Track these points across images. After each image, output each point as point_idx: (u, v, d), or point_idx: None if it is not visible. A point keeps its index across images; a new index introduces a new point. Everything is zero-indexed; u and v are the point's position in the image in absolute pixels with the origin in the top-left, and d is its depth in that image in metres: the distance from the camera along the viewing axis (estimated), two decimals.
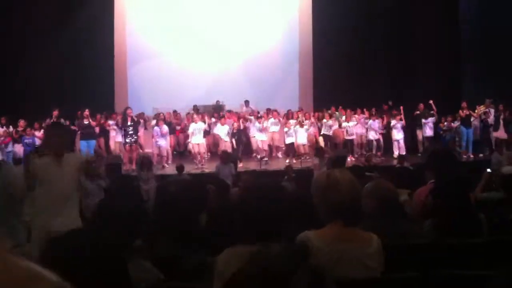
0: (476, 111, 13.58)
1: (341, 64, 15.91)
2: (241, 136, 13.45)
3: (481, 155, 13.16)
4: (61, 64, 14.77)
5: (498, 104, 13.63)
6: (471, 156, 13.31)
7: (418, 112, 14.08)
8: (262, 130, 13.34)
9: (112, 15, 16.24)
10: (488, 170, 5.32)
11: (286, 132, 13.50)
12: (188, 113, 14.21)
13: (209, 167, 11.99)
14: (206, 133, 13.32)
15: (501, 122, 13.43)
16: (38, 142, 12.39)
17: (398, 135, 13.61)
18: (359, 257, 2.18)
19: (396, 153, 13.47)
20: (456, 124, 13.66)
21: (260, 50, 16.72)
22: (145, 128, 13.38)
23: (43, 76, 14.25)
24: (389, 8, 15.64)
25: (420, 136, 14.13)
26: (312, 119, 14.18)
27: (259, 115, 13.84)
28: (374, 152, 13.73)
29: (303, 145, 13.38)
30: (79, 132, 12.44)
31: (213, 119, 13.87)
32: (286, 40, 17.18)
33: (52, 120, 12.04)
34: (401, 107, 14.08)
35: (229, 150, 12.71)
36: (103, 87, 15.59)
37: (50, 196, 3.80)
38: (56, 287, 0.84)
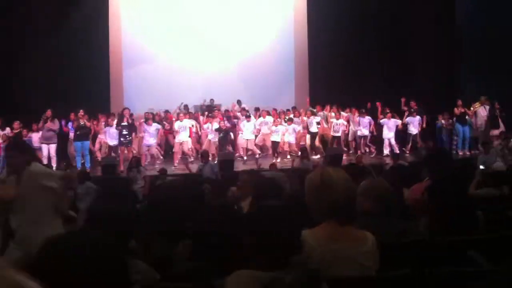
0: (471, 108, 13.62)
1: (337, 64, 15.90)
2: (226, 135, 13.34)
3: (477, 152, 13.18)
4: (57, 64, 14.70)
5: (494, 102, 13.67)
6: (468, 153, 13.34)
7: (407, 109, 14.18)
8: (253, 132, 13.26)
9: (107, 16, 16.21)
10: (481, 167, 5.37)
11: (273, 130, 13.43)
12: (178, 113, 13.96)
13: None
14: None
15: (499, 119, 13.45)
16: (36, 143, 12.35)
17: (389, 133, 13.61)
18: (353, 256, 2.18)
19: (386, 152, 13.52)
20: (449, 122, 13.71)
21: (256, 50, 16.71)
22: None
23: (39, 77, 14.20)
24: (385, 7, 15.65)
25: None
26: (300, 118, 14.06)
27: (247, 114, 13.74)
28: (362, 150, 13.79)
29: (290, 143, 13.37)
30: (75, 133, 12.41)
31: (202, 118, 13.83)
32: (282, 40, 17.18)
33: (47, 121, 12.00)
34: (378, 104, 14.16)
35: (213, 148, 12.77)
36: (99, 87, 15.56)
37: (24, 212, 3.86)
38: None
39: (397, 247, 2.60)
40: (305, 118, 13.93)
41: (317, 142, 13.84)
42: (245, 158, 13.11)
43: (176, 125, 12.92)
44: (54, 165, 11.75)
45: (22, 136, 12.16)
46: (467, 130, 13.55)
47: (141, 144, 12.89)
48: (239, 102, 15.32)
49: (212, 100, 15.58)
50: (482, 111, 13.69)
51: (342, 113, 14.22)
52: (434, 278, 2.27)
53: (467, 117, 13.61)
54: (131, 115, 12.78)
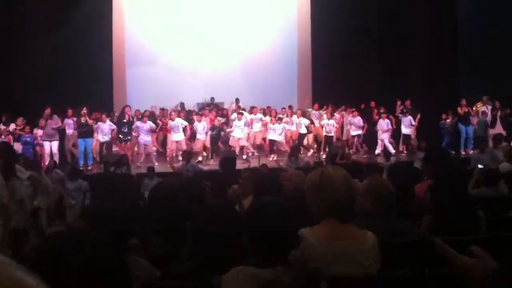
0: (474, 108, 13.62)
1: (340, 64, 15.89)
2: (219, 133, 13.30)
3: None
4: (59, 63, 14.72)
5: (495, 101, 13.66)
6: (471, 152, 13.33)
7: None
8: (245, 129, 13.25)
9: (110, 15, 16.19)
10: (480, 166, 5.36)
11: (269, 128, 13.49)
12: (174, 111, 13.91)
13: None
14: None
15: (498, 119, 13.45)
16: (37, 140, 12.40)
17: (382, 134, 13.57)
18: (353, 255, 2.17)
19: (378, 151, 13.50)
20: (449, 122, 13.71)
21: (259, 50, 16.71)
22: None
23: (41, 76, 14.21)
24: (386, 7, 15.63)
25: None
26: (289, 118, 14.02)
27: (239, 112, 13.67)
28: (354, 149, 13.81)
29: (279, 142, 13.41)
30: (78, 131, 12.42)
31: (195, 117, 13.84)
32: (285, 40, 17.17)
33: (44, 119, 12.03)
34: (373, 104, 14.23)
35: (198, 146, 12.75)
36: (102, 85, 15.56)
37: None
38: None
39: (398, 247, 2.59)
40: (294, 118, 13.87)
41: (310, 140, 13.84)
42: (244, 156, 13.07)
43: (169, 124, 12.95)
44: (56, 161, 11.76)
45: (25, 132, 12.20)
46: (470, 129, 13.55)
47: (139, 143, 12.85)
48: (237, 100, 15.20)
49: (212, 98, 15.55)
50: (484, 111, 13.70)
51: (335, 114, 14.23)
52: (434, 278, 2.26)
53: (474, 116, 13.63)
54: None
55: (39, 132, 12.48)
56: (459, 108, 13.51)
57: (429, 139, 13.44)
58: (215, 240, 2.11)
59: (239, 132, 13.19)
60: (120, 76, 16.39)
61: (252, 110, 14.10)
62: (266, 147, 13.69)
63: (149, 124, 12.73)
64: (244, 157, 12.98)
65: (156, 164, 12.27)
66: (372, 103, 14.87)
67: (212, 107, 14.80)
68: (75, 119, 12.54)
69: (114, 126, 12.65)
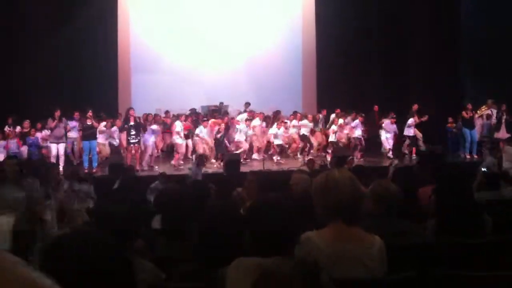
0: (478, 111, 13.58)
1: (345, 65, 15.88)
2: (223, 138, 13.36)
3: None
4: (63, 65, 14.78)
5: (501, 105, 13.61)
6: (475, 156, 13.28)
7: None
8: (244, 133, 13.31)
9: (115, 16, 16.24)
10: (483, 169, 5.35)
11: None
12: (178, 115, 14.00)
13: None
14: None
15: (503, 122, 13.41)
16: (41, 142, 12.44)
17: (386, 134, 13.65)
18: (359, 257, 2.18)
19: (387, 150, 13.61)
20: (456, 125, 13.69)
21: (263, 52, 16.70)
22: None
23: (45, 76, 14.27)
24: (388, 7, 15.62)
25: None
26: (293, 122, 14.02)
27: (248, 118, 13.69)
28: (355, 153, 13.79)
29: (277, 145, 13.44)
30: (83, 133, 12.48)
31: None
32: (290, 41, 17.18)
33: (55, 120, 12.05)
34: (375, 108, 14.31)
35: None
36: (107, 87, 15.59)
37: None
38: None
39: (401, 249, 2.59)
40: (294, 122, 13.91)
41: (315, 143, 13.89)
42: (257, 157, 13.09)
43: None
44: (61, 164, 11.80)
45: (31, 135, 12.24)
46: (474, 133, 13.50)
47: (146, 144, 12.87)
48: (247, 104, 15.14)
49: (221, 103, 15.46)
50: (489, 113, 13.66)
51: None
52: (438, 281, 2.26)
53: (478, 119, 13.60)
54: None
55: (46, 133, 12.50)
56: (464, 112, 13.46)
57: (432, 141, 13.44)
58: (217, 241, 2.12)
59: (240, 136, 13.26)
60: (125, 78, 16.41)
61: (254, 115, 14.11)
62: (273, 150, 13.72)
63: (153, 127, 12.82)
64: (243, 161, 12.95)
65: (156, 167, 12.33)
66: (375, 107, 14.87)
67: (216, 115, 14.67)
68: (80, 121, 12.58)
69: (156, 127, 12.92)
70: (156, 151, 13.29)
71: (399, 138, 13.94)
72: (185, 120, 13.32)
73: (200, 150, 12.62)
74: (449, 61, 15.23)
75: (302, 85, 17.38)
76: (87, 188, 8.62)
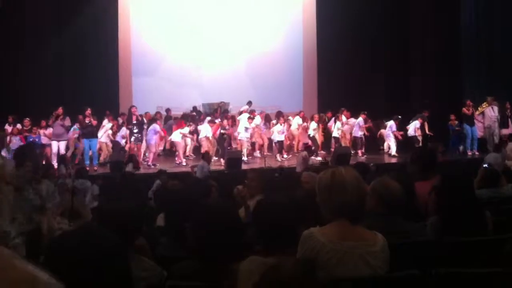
0: (479, 108, 13.57)
1: (346, 65, 15.88)
2: (224, 138, 13.40)
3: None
4: (64, 64, 14.83)
5: (505, 102, 13.60)
6: (477, 153, 13.28)
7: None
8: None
9: (116, 15, 16.21)
10: (485, 165, 5.31)
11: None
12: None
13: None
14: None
15: (509, 119, 13.41)
16: (44, 140, 12.47)
17: (388, 131, 13.74)
18: (362, 255, 2.18)
19: (389, 148, 13.66)
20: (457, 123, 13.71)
21: (265, 51, 16.69)
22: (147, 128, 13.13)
23: (47, 75, 14.29)
24: (392, 7, 15.61)
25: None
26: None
27: (250, 116, 13.64)
28: (360, 149, 13.90)
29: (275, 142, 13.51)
30: (83, 132, 12.49)
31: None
32: (291, 41, 17.16)
33: (59, 118, 12.08)
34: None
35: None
36: (108, 87, 15.62)
37: None
38: None
39: (404, 247, 2.59)
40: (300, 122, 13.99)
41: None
42: (245, 158, 12.96)
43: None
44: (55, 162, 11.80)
45: (33, 133, 12.28)
46: (475, 130, 13.49)
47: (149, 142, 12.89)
48: (249, 103, 15.11)
49: (223, 102, 15.42)
50: (489, 111, 13.62)
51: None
52: (440, 279, 2.26)
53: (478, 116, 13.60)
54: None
55: (48, 131, 12.54)
56: (464, 109, 13.45)
57: (435, 139, 13.44)
58: (216, 240, 2.13)
59: (246, 134, 13.26)
60: (126, 78, 16.39)
61: (254, 114, 14.14)
62: (275, 149, 13.76)
63: (153, 126, 12.81)
64: (245, 159, 12.93)
65: (152, 166, 12.34)
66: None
67: (217, 113, 14.66)
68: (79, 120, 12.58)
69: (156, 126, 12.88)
70: (159, 149, 13.36)
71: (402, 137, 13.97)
72: (186, 119, 13.34)
73: (205, 148, 12.66)
74: (451, 59, 15.19)
75: (303, 84, 17.37)
76: (90, 186, 8.64)
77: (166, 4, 16.66)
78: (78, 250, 1.29)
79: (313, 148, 12.98)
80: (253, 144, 13.98)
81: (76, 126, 12.60)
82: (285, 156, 13.49)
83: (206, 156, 11.00)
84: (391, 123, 13.74)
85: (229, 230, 2.16)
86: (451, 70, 15.01)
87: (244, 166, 11.68)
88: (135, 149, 12.53)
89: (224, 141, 13.28)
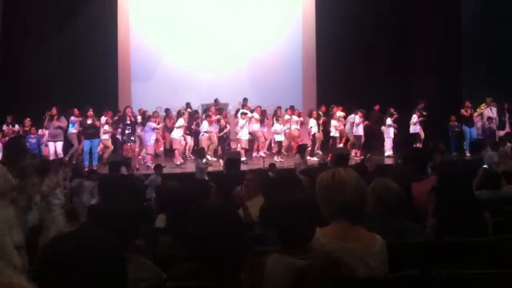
0: (477, 109, 13.57)
1: (345, 65, 15.86)
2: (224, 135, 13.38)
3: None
4: (64, 63, 14.78)
5: (503, 103, 13.60)
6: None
7: None
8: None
9: (115, 15, 16.18)
10: (485, 166, 5.30)
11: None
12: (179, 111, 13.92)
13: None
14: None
15: (507, 120, 13.40)
16: (43, 141, 12.44)
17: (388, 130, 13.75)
18: (361, 256, 2.18)
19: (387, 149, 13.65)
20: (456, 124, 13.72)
21: (264, 51, 16.66)
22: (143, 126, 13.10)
23: (46, 76, 14.26)
24: (392, 7, 15.60)
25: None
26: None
27: (243, 111, 13.62)
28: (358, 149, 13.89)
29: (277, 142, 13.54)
30: (84, 132, 12.47)
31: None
32: (290, 41, 17.12)
33: (53, 118, 12.06)
34: (376, 108, 14.41)
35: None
36: (107, 86, 15.57)
37: None
38: None
39: (403, 248, 2.59)
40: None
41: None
42: (243, 159, 12.94)
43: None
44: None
45: (31, 133, 12.26)
46: (474, 131, 13.49)
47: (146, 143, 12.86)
48: (245, 100, 15.07)
49: (216, 100, 15.37)
50: (488, 112, 13.63)
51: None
52: (439, 280, 2.26)
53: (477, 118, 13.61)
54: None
55: (45, 132, 12.52)
56: (462, 110, 13.44)
57: (435, 139, 13.41)
58: (215, 241, 2.13)
59: (245, 133, 13.24)
60: (125, 76, 16.38)
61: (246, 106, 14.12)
62: (274, 149, 13.76)
63: (150, 125, 12.75)
64: (244, 159, 12.89)
65: (149, 164, 12.32)
66: (376, 107, 14.89)
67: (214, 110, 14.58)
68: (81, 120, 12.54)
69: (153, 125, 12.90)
70: (156, 150, 13.31)
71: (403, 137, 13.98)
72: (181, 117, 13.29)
73: (204, 146, 12.65)
74: (452, 60, 15.20)
75: (303, 84, 17.36)
76: (90, 185, 8.63)
77: (166, 4, 16.63)
78: (74, 252, 1.28)
79: (309, 148, 13.04)
80: (252, 144, 13.93)
81: (73, 123, 12.54)
82: (282, 159, 13.34)
83: (199, 152, 10.90)
84: (388, 121, 13.75)
85: (229, 230, 2.15)
86: (451, 70, 15.01)
87: (243, 167, 11.65)
88: (130, 150, 12.51)
89: (224, 141, 13.28)
